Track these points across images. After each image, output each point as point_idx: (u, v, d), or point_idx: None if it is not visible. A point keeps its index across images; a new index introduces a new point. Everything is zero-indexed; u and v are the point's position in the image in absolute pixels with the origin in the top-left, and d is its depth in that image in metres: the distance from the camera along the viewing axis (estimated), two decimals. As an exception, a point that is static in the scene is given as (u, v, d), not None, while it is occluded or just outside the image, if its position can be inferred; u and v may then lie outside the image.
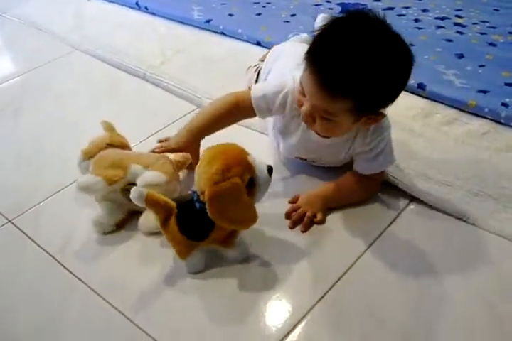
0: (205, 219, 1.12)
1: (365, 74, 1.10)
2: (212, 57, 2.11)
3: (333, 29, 1.16)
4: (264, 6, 2.45)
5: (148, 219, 1.31)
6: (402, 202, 1.41)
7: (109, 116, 1.73)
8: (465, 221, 1.34)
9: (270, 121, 1.51)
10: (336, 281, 1.21)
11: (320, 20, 2.04)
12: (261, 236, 1.33)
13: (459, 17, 2.27)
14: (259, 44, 2.16)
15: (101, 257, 1.31)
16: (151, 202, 1.13)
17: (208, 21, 2.34)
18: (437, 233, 1.32)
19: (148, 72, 2.04)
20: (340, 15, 1.18)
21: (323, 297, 1.17)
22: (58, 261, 1.30)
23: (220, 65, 2.06)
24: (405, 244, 1.30)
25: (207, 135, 1.46)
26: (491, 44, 2.04)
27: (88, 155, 1.40)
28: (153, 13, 2.54)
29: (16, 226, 1.41)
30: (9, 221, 1.43)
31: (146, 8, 2.55)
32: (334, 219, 1.37)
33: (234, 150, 1.16)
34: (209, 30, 2.34)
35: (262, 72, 1.71)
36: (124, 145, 1.46)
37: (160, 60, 2.12)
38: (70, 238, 1.36)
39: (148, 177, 1.28)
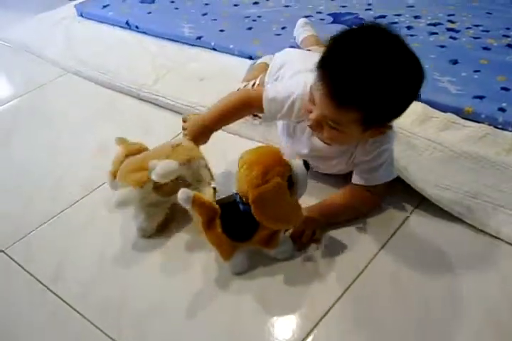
0: (249, 220, 1.16)
1: (375, 87, 1.10)
2: (205, 74, 2.09)
3: (345, 40, 1.16)
4: (254, 20, 2.44)
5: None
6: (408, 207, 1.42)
7: (104, 137, 1.75)
8: (464, 222, 1.34)
9: (280, 122, 1.52)
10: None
11: (300, 26, 2.06)
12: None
13: (452, 22, 2.25)
14: (251, 58, 2.14)
15: (95, 285, 1.29)
16: (198, 204, 1.15)
17: (199, 38, 2.33)
18: (441, 239, 1.32)
19: (142, 91, 2.03)
20: (352, 27, 1.19)
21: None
22: (51, 290, 1.28)
23: (214, 80, 2.04)
24: (414, 248, 1.30)
25: (219, 129, 1.50)
26: (485, 48, 2.02)
27: (114, 174, 1.39)
28: (144, 32, 2.53)
29: (9, 256, 1.39)
30: (1, 251, 1.41)
31: (137, 27, 2.54)
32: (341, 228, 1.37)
33: (270, 151, 1.20)
34: (201, 46, 2.32)
35: (268, 79, 1.69)
36: (142, 150, 1.45)
37: (153, 78, 2.10)
38: (63, 266, 1.34)
39: (158, 169, 1.27)
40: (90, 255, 1.37)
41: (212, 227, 1.17)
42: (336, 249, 1.31)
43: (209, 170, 1.39)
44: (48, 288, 1.28)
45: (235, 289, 1.24)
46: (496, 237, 1.30)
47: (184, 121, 1.53)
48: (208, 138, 1.49)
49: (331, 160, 1.41)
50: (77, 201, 1.55)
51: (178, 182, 1.33)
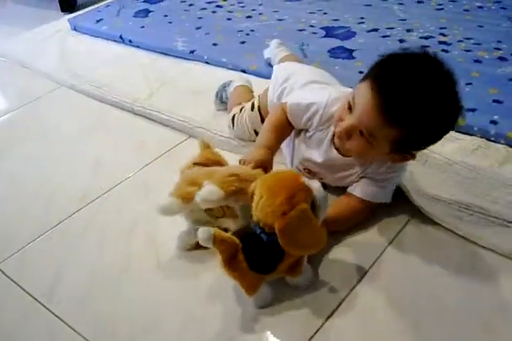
0: (274, 250, 1.12)
1: (426, 112, 1.14)
2: (198, 88, 2.10)
3: (403, 60, 1.18)
4: (248, 34, 2.45)
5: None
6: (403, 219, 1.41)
7: (97, 151, 1.75)
8: (457, 234, 1.34)
9: None
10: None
11: (275, 46, 2.10)
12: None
13: (444, 35, 2.27)
14: (244, 72, 2.16)
15: (89, 300, 1.28)
16: (219, 241, 1.10)
17: (192, 52, 2.34)
18: (434, 251, 1.32)
19: (135, 105, 2.03)
20: (406, 50, 1.20)
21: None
22: (44, 306, 1.27)
23: (207, 94, 2.03)
24: (408, 260, 1.30)
25: (278, 148, 1.48)
26: (476, 61, 2.03)
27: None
28: (137, 46, 2.54)
29: (2, 271, 1.38)
30: (-5, 266, 1.40)
31: (130, 41, 2.56)
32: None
33: (289, 176, 1.16)
34: (194, 60, 2.33)
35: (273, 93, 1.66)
36: (214, 162, 1.40)
37: (147, 92, 2.11)
38: (57, 281, 1.34)
39: (200, 194, 1.20)
40: (84, 269, 1.36)
41: (234, 263, 1.12)
42: (330, 262, 1.31)
43: None
44: (42, 304, 1.28)
45: (228, 302, 1.23)
46: (489, 249, 1.30)
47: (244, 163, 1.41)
48: (272, 160, 1.42)
49: (342, 172, 1.42)
50: (71, 215, 1.54)
51: (227, 209, 1.30)
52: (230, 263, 1.12)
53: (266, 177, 1.17)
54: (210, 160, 1.40)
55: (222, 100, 1.92)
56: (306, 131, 1.44)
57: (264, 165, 1.35)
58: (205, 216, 1.32)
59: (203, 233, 1.08)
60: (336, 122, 1.29)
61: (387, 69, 1.18)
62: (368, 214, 1.41)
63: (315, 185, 1.15)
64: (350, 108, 1.23)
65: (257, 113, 1.69)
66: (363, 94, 1.19)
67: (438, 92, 1.14)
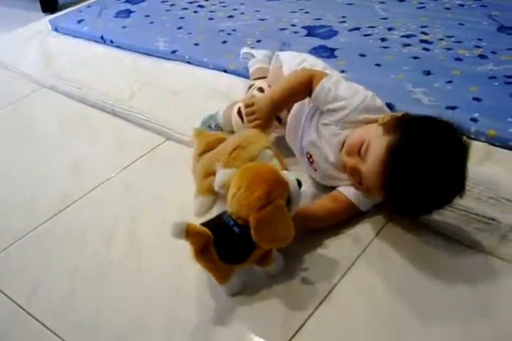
0: (245, 242, 1.13)
1: (426, 203, 1.22)
2: (180, 88, 2.09)
3: (425, 138, 1.18)
4: (229, 34, 2.44)
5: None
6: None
7: (78, 152, 1.74)
8: (438, 232, 1.34)
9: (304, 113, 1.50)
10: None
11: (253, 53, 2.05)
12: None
13: (425, 33, 2.27)
14: (225, 72, 2.15)
15: (70, 303, 1.27)
16: (192, 234, 1.10)
17: (174, 52, 2.33)
18: (414, 249, 1.32)
19: (116, 106, 2.02)
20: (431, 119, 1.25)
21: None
22: (24, 309, 1.26)
23: (189, 94, 2.04)
24: (388, 259, 1.29)
25: (283, 109, 1.48)
26: (457, 59, 2.03)
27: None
28: (118, 47, 2.53)
29: (-19, 275, 1.37)
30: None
31: (112, 41, 2.55)
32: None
33: (268, 171, 1.15)
34: (175, 60, 2.33)
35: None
36: (216, 142, 1.41)
37: (127, 93, 2.10)
38: (38, 283, 1.33)
39: (215, 182, 1.20)
40: (65, 271, 1.35)
41: (206, 254, 1.13)
42: (312, 259, 1.30)
43: (279, 158, 1.31)
44: (21, 307, 1.26)
45: (211, 304, 1.22)
46: (470, 247, 1.30)
47: (247, 106, 1.43)
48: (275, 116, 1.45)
49: (338, 174, 1.41)
50: (52, 216, 1.53)
51: None
52: (202, 255, 1.13)
53: (245, 170, 1.15)
54: (211, 144, 1.41)
55: (211, 128, 1.78)
56: (322, 113, 1.42)
57: (270, 125, 1.41)
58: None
59: (175, 228, 1.08)
60: (347, 148, 1.31)
61: (405, 148, 1.17)
62: (345, 218, 1.40)
63: (291, 178, 1.16)
64: (360, 149, 1.25)
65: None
66: (377, 158, 1.20)
67: (445, 190, 1.19)
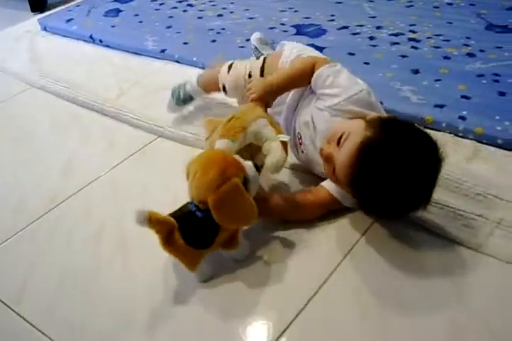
0: (209, 225, 1.17)
1: (392, 204, 1.22)
2: (169, 87, 2.08)
3: (398, 143, 1.19)
4: (218, 32, 2.45)
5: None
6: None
7: (68, 151, 1.75)
8: (425, 228, 1.34)
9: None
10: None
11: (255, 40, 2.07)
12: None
13: (413, 32, 2.28)
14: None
15: (59, 303, 1.27)
16: (154, 221, 1.13)
17: (163, 51, 2.33)
18: (403, 245, 1.32)
19: (105, 105, 2.01)
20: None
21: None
22: (12, 309, 1.26)
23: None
24: (376, 257, 1.29)
25: (283, 92, 1.49)
26: (445, 57, 2.04)
27: None
28: (108, 46, 2.53)
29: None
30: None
31: (101, 41, 2.55)
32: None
33: (219, 154, 1.21)
34: (165, 59, 2.33)
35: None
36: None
37: (117, 92, 2.10)
38: (26, 283, 1.32)
39: (272, 163, 1.26)
40: (53, 271, 1.35)
41: (172, 241, 1.16)
42: (298, 259, 1.31)
43: (274, 126, 1.34)
44: (9, 307, 1.26)
45: (198, 298, 1.23)
46: (458, 243, 1.30)
47: (249, 81, 1.53)
48: (273, 101, 1.48)
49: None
50: (41, 216, 1.53)
51: (249, 148, 1.33)
52: (168, 242, 1.16)
53: (196, 157, 1.21)
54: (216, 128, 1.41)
55: (178, 98, 1.85)
56: (318, 98, 1.43)
57: (265, 101, 1.44)
58: None
59: (137, 215, 1.11)
60: (328, 136, 1.32)
61: (377, 146, 1.18)
62: (325, 211, 1.40)
63: (247, 163, 1.20)
64: (340, 139, 1.25)
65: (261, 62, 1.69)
66: (350, 151, 1.21)
67: (407, 198, 1.20)
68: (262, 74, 1.63)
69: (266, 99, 1.45)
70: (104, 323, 1.20)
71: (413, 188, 1.18)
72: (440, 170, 1.21)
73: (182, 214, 1.19)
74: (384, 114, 1.40)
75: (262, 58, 1.70)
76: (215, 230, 1.18)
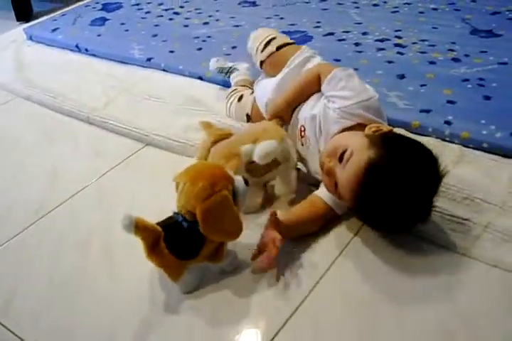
0: (194, 236, 1.17)
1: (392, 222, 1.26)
2: (155, 95, 2.09)
3: (400, 164, 1.20)
4: (204, 40, 2.45)
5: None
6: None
7: (54, 161, 1.75)
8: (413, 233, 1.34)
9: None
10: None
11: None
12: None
13: (399, 37, 2.29)
14: (201, 79, 2.15)
15: (45, 314, 1.25)
16: (141, 228, 1.13)
17: (149, 59, 2.33)
18: (392, 250, 1.32)
19: (91, 114, 2.01)
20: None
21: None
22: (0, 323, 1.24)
23: (165, 101, 2.04)
24: (364, 262, 1.29)
25: (295, 105, 1.53)
26: (431, 62, 2.05)
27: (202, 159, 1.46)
28: (94, 55, 2.52)
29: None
30: None
31: (87, 50, 2.54)
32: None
33: (210, 166, 1.24)
34: (151, 68, 2.32)
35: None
36: (228, 135, 1.47)
37: (103, 101, 2.09)
38: (12, 294, 1.31)
39: (259, 151, 1.32)
40: (41, 282, 1.34)
41: (156, 250, 1.16)
42: (290, 261, 1.31)
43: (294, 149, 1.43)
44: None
45: (185, 310, 1.22)
46: (445, 248, 1.30)
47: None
48: (288, 117, 1.53)
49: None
50: (27, 227, 1.52)
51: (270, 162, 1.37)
52: (153, 251, 1.16)
53: (187, 169, 1.22)
54: (223, 135, 1.46)
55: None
56: (328, 100, 1.44)
57: (280, 115, 1.51)
58: (251, 179, 1.35)
59: (124, 220, 1.12)
60: (329, 149, 1.32)
61: (383, 167, 1.19)
62: (323, 223, 1.40)
63: (237, 176, 1.22)
64: (342, 155, 1.26)
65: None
66: (355, 172, 1.21)
67: (409, 215, 1.23)
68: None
69: (280, 117, 1.51)
70: (92, 333, 1.19)
71: (417, 205, 1.22)
72: (440, 185, 1.25)
73: (168, 224, 1.19)
74: (386, 122, 1.42)
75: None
76: (200, 242, 1.18)
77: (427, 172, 1.21)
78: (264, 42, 1.79)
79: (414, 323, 1.13)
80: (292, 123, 1.54)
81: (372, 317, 1.16)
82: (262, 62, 1.79)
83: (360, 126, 1.35)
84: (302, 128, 1.49)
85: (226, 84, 2.04)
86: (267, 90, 1.65)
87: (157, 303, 1.24)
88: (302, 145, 1.50)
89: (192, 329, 1.17)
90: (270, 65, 1.76)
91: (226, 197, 1.15)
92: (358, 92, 1.38)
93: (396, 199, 1.18)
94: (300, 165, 1.51)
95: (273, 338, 1.13)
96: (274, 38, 1.79)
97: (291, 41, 1.80)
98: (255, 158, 1.33)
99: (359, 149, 1.24)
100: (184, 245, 1.18)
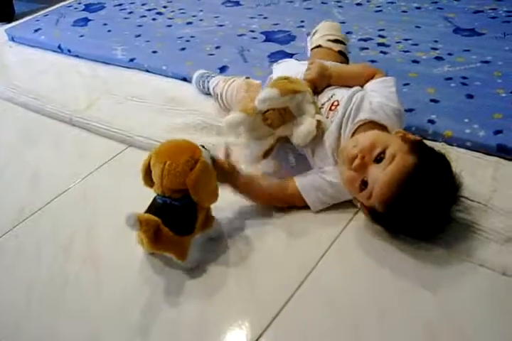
0: (189, 211, 1.24)
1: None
2: (138, 96, 2.07)
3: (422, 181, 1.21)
4: (188, 40, 2.44)
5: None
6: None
7: (36, 163, 1.75)
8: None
9: None
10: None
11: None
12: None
13: (382, 37, 2.29)
14: (185, 80, 2.14)
15: (26, 321, 1.24)
16: (144, 222, 1.14)
17: (132, 60, 2.31)
18: (377, 251, 1.31)
19: (74, 116, 1.99)
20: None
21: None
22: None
23: (148, 102, 2.02)
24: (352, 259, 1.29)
25: (334, 83, 1.53)
26: (414, 61, 2.05)
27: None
28: (76, 56, 2.51)
29: None
30: None
31: (69, 50, 2.53)
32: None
33: (178, 142, 1.27)
34: (134, 68, 2.31)
35: None
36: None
37: (86, 102, 2.08)
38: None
39: (260, 95, 1.37)
40: (21, 287, 1.33)
41: (160, 237, 1.18)
42: (272, 263, 1.30)
43: (315, 105, 1.44)
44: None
45: (172, 309, 1.21)
46: (430, 245, 1.30)
47: (311, 63, 1.57)
48: (322, 87, 1.52)
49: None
50: (8, 231, 1.51)
51: (284, 113, 1.40)
52: (156, 240, 1.18)
53: (161, 148, 1.26)
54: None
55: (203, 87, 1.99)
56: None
57: (319, 80, 1.51)
58: (267, 130, 1.43)
59: (128, 219, 1.12)
60: (364, 144, 1.30)
61: (423, 177, 1.21)
62: (281, 204, 1.44)
63: (204, 150, 1.27)
64: (381, 153, 1.26)
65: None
66: (398, 174, 1.21)
67: (431, 224, 1.27)
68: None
69: (318, 82, 1.51)
70: (76, 339, 1.18)
71: (441, 213, 1.27)
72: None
73: (158, 209, 1.23)
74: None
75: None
76: (194, 214, 1.24)
77: (453, 183, 1.27)
78: (336, 38, 1.85)
79: (398, 322, 1.13)
80: (324, 93, 1.53)
81: (354, 316, 1.16)
82: (318, 46, 1.82)
83: (382, 129, 1.37)
84: (336, 103, 1.46)
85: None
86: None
87: (141, 307, 1.23)
88: (327, 117, 1.46)
89: (177, 331, 1.16)
90: (320, 54, 1.78)
91: (205, 162, 1.23)
92: (399, 103, 1.43)
93: (428, 205, 1.21)
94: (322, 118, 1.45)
95: (259, 337, 1.13)
96: (343, 43, 1.85)
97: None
98: (255, 103, 1.37)
99: (400, 153, 1.24)
100: (183, 222, 1.23)
